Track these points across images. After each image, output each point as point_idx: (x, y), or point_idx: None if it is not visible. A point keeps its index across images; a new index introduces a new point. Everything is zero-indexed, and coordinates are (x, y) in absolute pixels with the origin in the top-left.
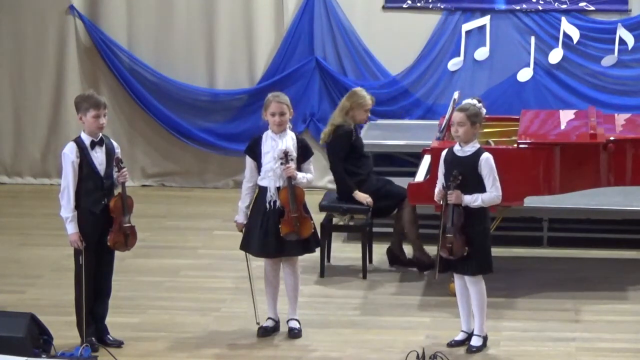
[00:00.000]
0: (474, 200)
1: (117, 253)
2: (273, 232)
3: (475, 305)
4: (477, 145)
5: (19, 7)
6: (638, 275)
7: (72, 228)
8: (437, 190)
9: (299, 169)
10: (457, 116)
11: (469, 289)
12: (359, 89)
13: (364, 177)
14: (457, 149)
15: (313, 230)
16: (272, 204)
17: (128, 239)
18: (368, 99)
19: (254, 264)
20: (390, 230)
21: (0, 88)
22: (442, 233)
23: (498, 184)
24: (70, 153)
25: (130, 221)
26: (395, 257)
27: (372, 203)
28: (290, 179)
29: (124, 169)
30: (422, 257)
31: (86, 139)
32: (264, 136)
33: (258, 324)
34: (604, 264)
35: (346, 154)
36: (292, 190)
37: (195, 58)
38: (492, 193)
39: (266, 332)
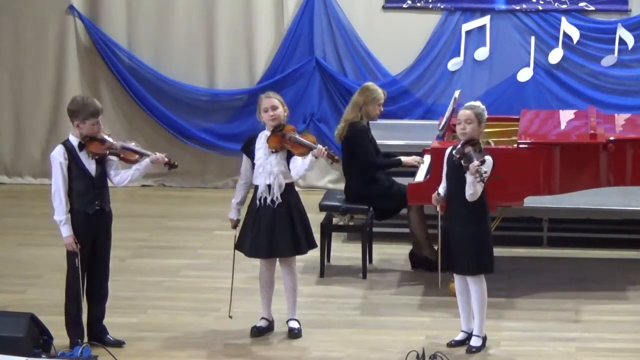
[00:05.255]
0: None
1: (113, 254)
2: (264, 233)
3: (475, 305)
4: None
5: (19, 7)
6: (638, 275)
7: (66, 231)
8: (434, 194)
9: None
10: (465, 114)
11: (470, 288)
12: (370, 84)
13: (378, 176)
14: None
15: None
16: (262, 200)
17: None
18: (381, 92)
19: (252, 263)
20: (391, 230)
21: (0, 88)
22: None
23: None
24: (58, 155)
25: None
26: (418, 261)
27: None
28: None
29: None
30: (431, 257)
31: (74, 141)
32: (259, 135)
33: (231, 317)
34: (604, 264)
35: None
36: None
37: (195, 58)
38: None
39: (259, 332)
